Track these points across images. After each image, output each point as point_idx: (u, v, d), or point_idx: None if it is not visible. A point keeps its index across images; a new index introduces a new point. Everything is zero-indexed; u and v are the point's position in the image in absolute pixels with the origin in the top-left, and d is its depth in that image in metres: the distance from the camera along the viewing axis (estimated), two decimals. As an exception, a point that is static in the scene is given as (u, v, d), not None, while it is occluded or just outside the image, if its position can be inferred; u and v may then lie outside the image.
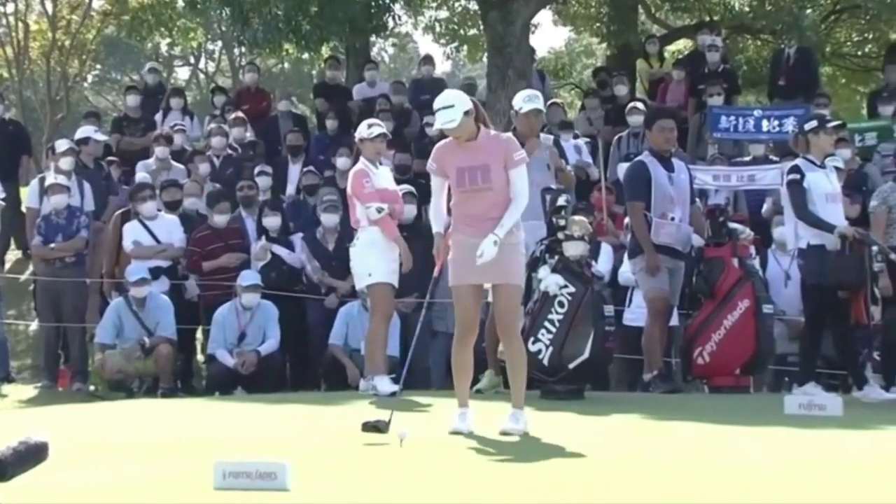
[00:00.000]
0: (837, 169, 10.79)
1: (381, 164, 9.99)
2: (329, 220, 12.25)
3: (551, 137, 10.46)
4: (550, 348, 9.14)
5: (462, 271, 7.16)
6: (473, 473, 5.85)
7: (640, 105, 15.16)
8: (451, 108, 7.12)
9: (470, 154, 7.18)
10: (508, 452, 6.43)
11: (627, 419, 8.15)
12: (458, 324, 7.29)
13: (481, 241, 7.04)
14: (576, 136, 14.91)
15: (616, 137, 14.91)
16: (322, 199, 12.55)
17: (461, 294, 7.20)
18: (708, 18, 21.87)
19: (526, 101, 9.91)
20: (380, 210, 9.53)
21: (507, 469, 6.00)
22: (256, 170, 14.31)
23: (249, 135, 15.76)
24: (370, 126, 9.83)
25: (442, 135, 7.43)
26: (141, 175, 13.90)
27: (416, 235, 11.42)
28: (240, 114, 15.93)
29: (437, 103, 7.22)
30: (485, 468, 6.01)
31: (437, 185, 7.38)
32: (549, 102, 14.02)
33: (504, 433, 7.00)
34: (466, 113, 7.13)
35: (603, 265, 11.65)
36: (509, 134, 7.57)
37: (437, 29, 26.20)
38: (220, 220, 12.68)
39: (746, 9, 21.97)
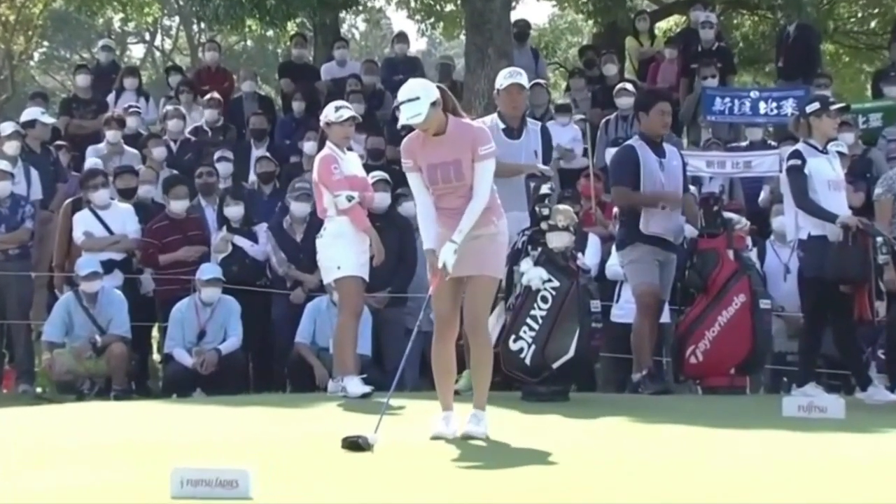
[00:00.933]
0: (841, 154, 10.83)
1: (349, 149, 9.98)
2: (300, 209, 12.20)
3: (539, 123, 10.47)
4: (533, 346, 9.16)
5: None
6: (449, 479, 5.86)
7: (629, 86, 15.18)
8: (416, 101, 7.06)
9: (439, 149, 7.15)
10: (487, 457, 6.44)
11: (615, 422, 8.17)
12: (436, 319, 7.30)
13: (452, 233, 7.07)
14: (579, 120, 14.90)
15: (604, 121, 14.94)
16: (294, 186, 12.51)
17: (438, 287, 7.20)
18: (701, -8, 21.89)
19: (506, 77, 9.94)
20: (350, 198, 9.52)
21: (485, 475, 6.01)
22: (216, 155, 14.28)
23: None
24: (338, 109, 9.80)
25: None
26: (91, 161, 13.84)
27: (389, 226, 11.43)
28: (215, 95, 15.93)
29: (400, 96, 7.15)
30: (460, 474, 6.02)
31: (417, 183, 7.28)
32: (531, 83, 14.01)
33: (466, 437, 7.02)
34: (433, 104, 7.07)
35: (589, 258, 11.66)
36: (480, 123, 7.55)
37: (412, 4, 26.15)
38: (176, 207, 12.63)
39: (742, -18, 22.06)
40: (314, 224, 11.02)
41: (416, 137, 7.24)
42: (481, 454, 6.58)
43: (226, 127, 15.69)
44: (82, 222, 12.50)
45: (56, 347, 11.74)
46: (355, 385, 9.42)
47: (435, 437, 7.03)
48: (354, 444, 6.52)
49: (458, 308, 7.31)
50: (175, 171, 13.95)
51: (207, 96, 15.91)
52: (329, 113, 9.76)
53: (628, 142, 10.63)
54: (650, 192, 10.08)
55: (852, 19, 25.18)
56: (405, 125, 7.22)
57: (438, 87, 7.26)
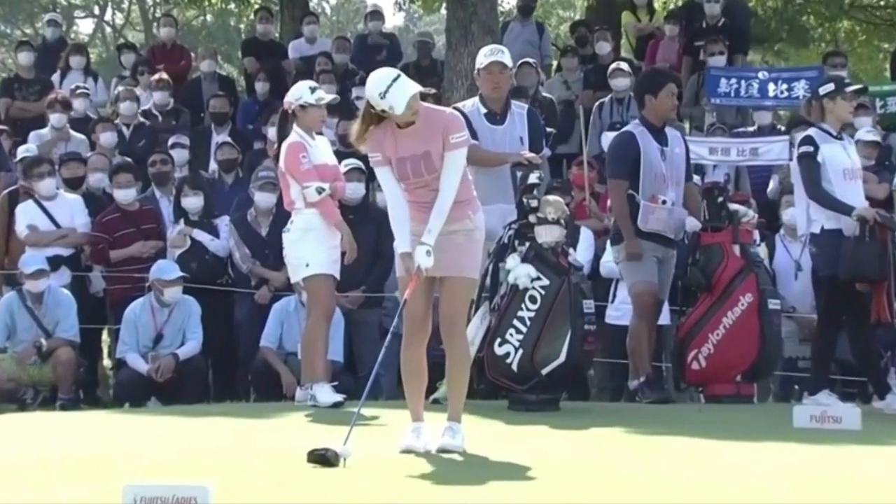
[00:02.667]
0: (873, 143, 10.79)
1: (318, 133, 9.96)
2: (265, 199, 12.18)
3: (525, 106, 10.47)
4: (520, 351, 9.16)
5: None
6: (426, 496, 5.87)
7: (624, 66, 15.17)
8: (399, 79, 6.99)
9: (409, 141, 7.14)
10: (469, 472, 6.46)
11: (610, 433, 8.19)
12: (407, 321, 7.28)
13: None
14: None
15: (597, 104, 14.93)
16: (258, 175, 12.49)
17: (415, 290, 7.20)
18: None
19: (487, 54, 9.93)
20: (320, 190, 9.51)
21: (466, 492, 6.02)
22: (170, 141, 14.26)
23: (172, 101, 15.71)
24: (314, 90, 9.77)
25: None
26: (25, 147, 13.75)
27: (363, 219, 11.43)
28: (164, 75, 15.87)
29: (379, 84, 7.00)
30: (439, 490, 6.03)
31: (388, 179, 7.26)
32: (519, 62, 14.02)
33: (441, 451, 7.03)
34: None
35: (582, 253, 11.68)
36: (452, 111, 7.55)
37: (388, -25, 26.20)
38: (122, 196, 12.60)
39: (750, -49, 22.05)
40: (281, 217, 11.01)
41: (384, 129, 7.21)
42: (463, 469, 6.59)
43: (177, 110, 15.64)
44: (26, 214, 12.47)
45: (-4, 353, 11.72)
46: (326, 393, 9.42)
47: (405, 451, 7.04)
48: (322, 459, 6.51)
49: (430, 309, 7.33)
50: (126, 159, 13.91)
51: (156, 76, 15.86)
52: (304, 94, 9.70)
53: (627, 127, 10.62)
54: (632, 228, 10.06)
55: (870, -8, 25.29)
56: (408, 103, 7.09)
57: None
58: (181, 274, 11.72)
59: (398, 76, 7.06)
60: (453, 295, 7.25)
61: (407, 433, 7.17)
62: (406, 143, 7.15)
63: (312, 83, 10.09)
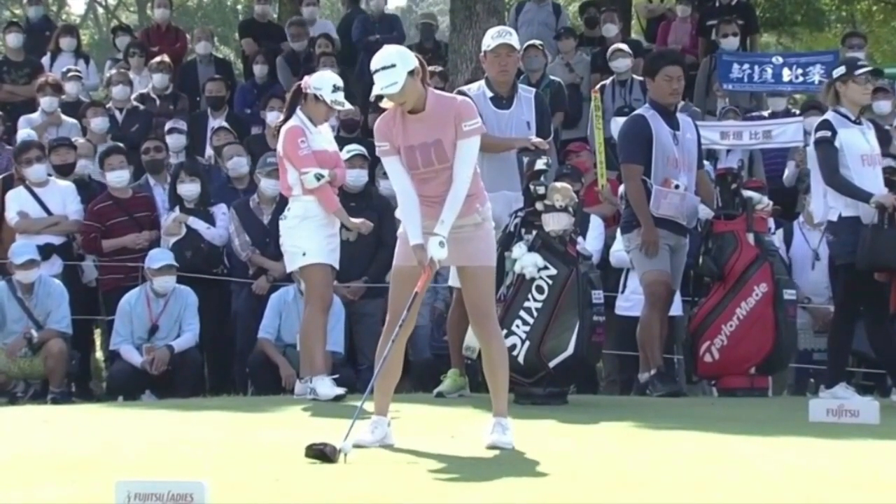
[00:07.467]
0: None
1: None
2: (270, 186, 12.10)
3: (532, 90, 10.46)
4: (527, 343, 9.17)
5: (411, 252, 7.13)
6: (427, 494, 5.87)
7: (624, 47, 15.10)
8: (391, 69, 6.98)
9: (418, 128, 7.11)
10: (473, 469, 6.45)
11: (619, 428, 8.20)
12: (390, 312, 7.25)
13: (435, 224, 7.05)
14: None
15: (598, 86, 14.87)
16: (265, 161, 12.43)
17: (403, 277, 7.18)
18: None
19: (494, 36, 9.92)
20: (319, 177, 9.48)
21: (469, 489, 6.01)
22: (168, 126, 14.22)
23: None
24: (337, 90, 9.69)
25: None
26: (24, 132, 13.76)
27: (365, 206, 11.41)
28: (165, 58, 15.85)
29: (374, 63, 7.09)
30: (440, 488, 6.02)
31: (396, 168, 7.20)
32: (525, 44, 13.99)
33: (491, 447, 7.02)
34: (411, 73, 7.02)
35: (591, 242, 11.67)
36: (464, 98, 7.53)
37: (390, -47, 26.12)
38: (115, 179, 12.56)
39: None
40: (284, 205, 10.98)
41: (391, 116, 7.18)
42: (466, 465, 6.58)
43: (175, 95, 15.63)
44: (16, 201, 12.48)
45: (-15, 344, 11.72)
46: (326, 386, 9.42)
47: (356, 445, 6.81)
48: (320, 454, 6.50)
49: (418, 308, 7.29)
50: (118, 144, 13.88)
51: (157, 59, 15.84)
52: (325, 89, 9.61)
53: (638, 111, 10.65)
54: (649, 214, 10.07)
55: (888, -29, 25.27)
56: (379, 95, 7.15)
57: (416, 56, 7.22)
58: (167, 262, 11.68)
59: (391, 65, 7.00)
60: (475, 286, 7.23)
61: (363, 426, 7.10)
62: (415, 131, 7.11)
63: (339, 81, 9.97)
